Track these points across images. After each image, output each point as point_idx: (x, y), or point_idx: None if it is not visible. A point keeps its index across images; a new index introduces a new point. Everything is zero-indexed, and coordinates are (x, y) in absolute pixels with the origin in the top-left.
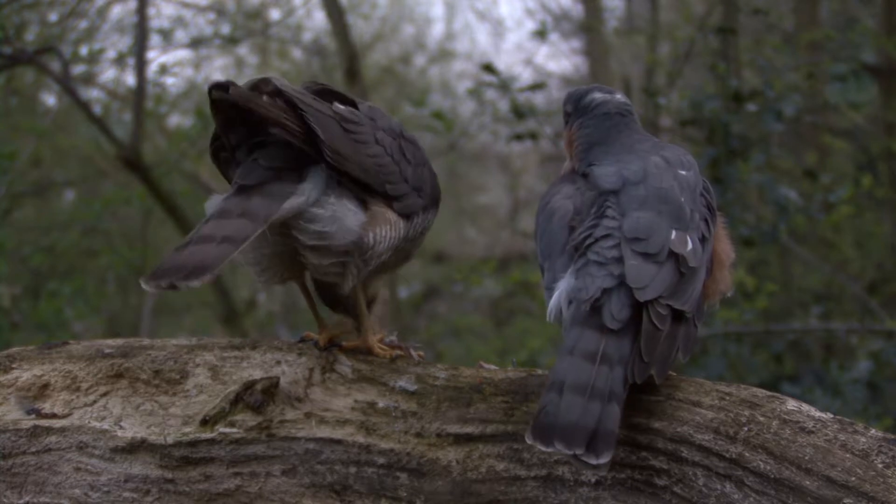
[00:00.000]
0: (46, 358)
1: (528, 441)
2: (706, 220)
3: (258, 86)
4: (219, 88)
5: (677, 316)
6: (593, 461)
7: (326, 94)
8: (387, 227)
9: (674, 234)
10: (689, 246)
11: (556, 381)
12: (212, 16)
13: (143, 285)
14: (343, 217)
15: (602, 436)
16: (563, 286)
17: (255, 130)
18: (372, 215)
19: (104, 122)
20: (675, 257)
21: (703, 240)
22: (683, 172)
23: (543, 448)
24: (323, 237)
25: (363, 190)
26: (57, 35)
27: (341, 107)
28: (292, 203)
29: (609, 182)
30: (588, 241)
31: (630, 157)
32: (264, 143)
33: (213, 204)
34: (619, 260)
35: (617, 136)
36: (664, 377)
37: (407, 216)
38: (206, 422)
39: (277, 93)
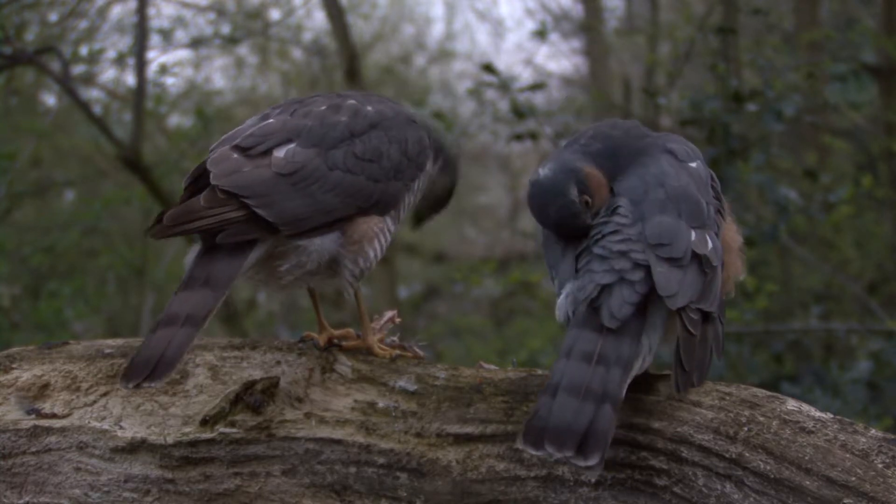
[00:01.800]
0: (46, 358)
1: (519, 446)
2: (719, 212)
3: (194, 175)
4: (157, 227)
5: (705, 317)
6: (581, 463)
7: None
8: (374, 242)
9: (693, 234)
10: (710, 245)
11: (551, 383)
12: (212, 16)
13: (119, 384)
14: (310, 245)
15: (593, 437)
16: (569, 287)
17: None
18: (352, 238)
19: (104, 122)
20: (697, 259)
21: (717, 232)
22: (693, 165)
23: (533, 451)
24: (297, 267)
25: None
26: (57, 35)
27: (280, 156)
28: (255, 254)
29: (636, 193)
30: (596, 237)
31: (644, 159)
32: None
33: (189, 261)
34: (624, 254)
35: (622, 146)
36: (703, 382)
37: (393, 207)
38: (206, 422)
39: (212, 184)
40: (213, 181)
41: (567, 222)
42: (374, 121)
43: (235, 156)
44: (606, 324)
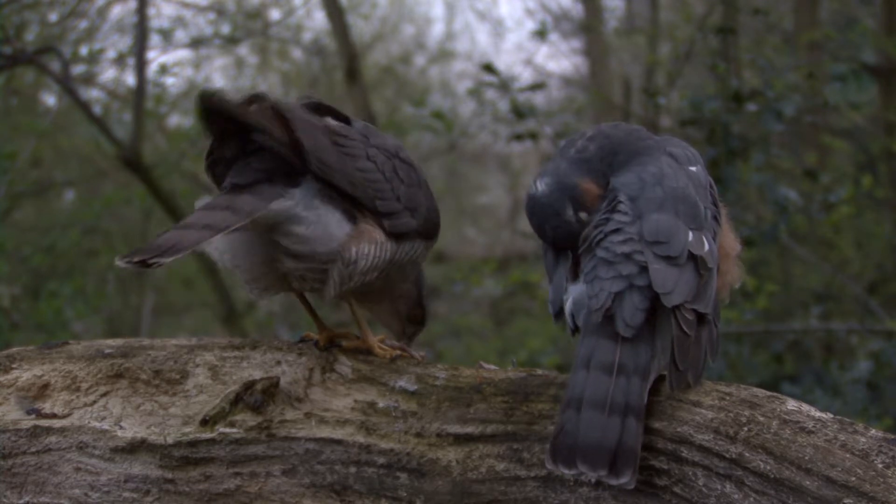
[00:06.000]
0: (46, 358)
1: (549, 466)
2: (715, 217)
3: (249, 99)
4: (205, 95)
5: (700, 319)
6: (615, 481)
7: (321, 109)
8: (372, 246)
9: (691, 235)
10: (706, 247)
11: (574, 397)
12: (212, 16)
13: (117, 262)
14: (327, 223)
15: (622, 454)
16: (574, 292)
17: (248, 142)
18: (358, 231)
19: (104, 122)
20: (694, 259)
21: (714, 237)
22: (693, 169)
23: (567, 472)
24: (304, 241)
25: (353, 205)
26: (57, 35)
27: (333, 122)
28: (280, 205)
29: (632, 189)
30: (598, 237)
31: (643, 158)
32: (259, 152)
33: (202, 202)
34: (629, 256)
35: (627, 142)
36: (699, 383)
37: (397, 237)
38: (206, 422)
39: (264, 103)
40: (268, 97)
41: (563, 238)
42: (416, 166)
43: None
44: (622, 332)
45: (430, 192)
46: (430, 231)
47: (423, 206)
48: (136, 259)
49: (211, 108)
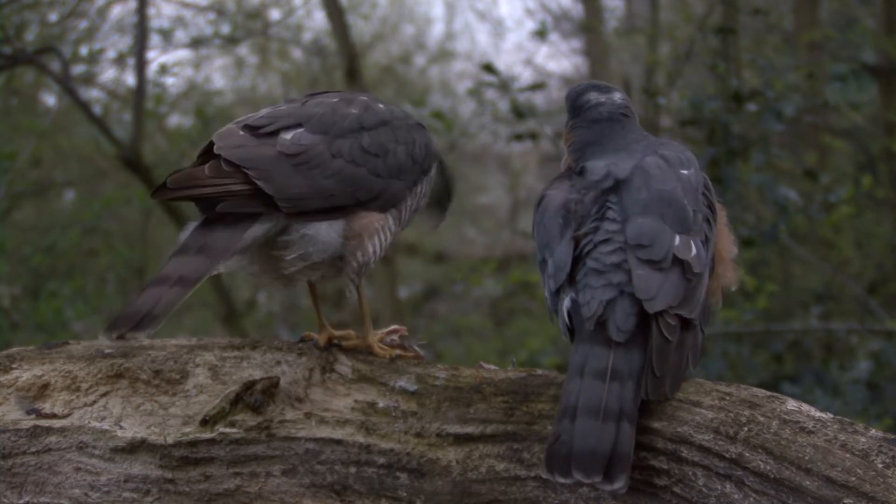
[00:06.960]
0: (46, 358)
1: (544, 475)
2: (708, 221)
3: (202, 154)
4: (160, 189)
5: (685, 324)
6: (608, 487)
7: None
8: (375, 237)
9: (678, 239)
10: (694, 251)
11: (569, 405)
12: (212, 16)
13: (102, 336)
14: (317, 235)
15: (617, 460)
16: (567, 299)
17: None
18: (354, 232)
19: (104, 122)
20: (680, 264)
21: (705, 241)
22: (685, 172)
23: (563, 480)
24: (301, 258)
25: (336, 208)
26: (57, 35)
27: (286, 137)
28: (255, 231)
29: (597, 174)
30: (587, 247)
31: (622, 154)
32: None
33: (182, 236)
34: (619, 266)
35: (611, 136)
36: (677, 390)
37: (394, 205)
38: (206, 422)
39: (214, 158)
40: (217, 151)
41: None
42: (385, 118)
43: (242, 133)
44: (615, 338)
45: (419, 129)
46: (426, 165)
47: (406, 161)
48: (114, 336)
49: (168, 196)
